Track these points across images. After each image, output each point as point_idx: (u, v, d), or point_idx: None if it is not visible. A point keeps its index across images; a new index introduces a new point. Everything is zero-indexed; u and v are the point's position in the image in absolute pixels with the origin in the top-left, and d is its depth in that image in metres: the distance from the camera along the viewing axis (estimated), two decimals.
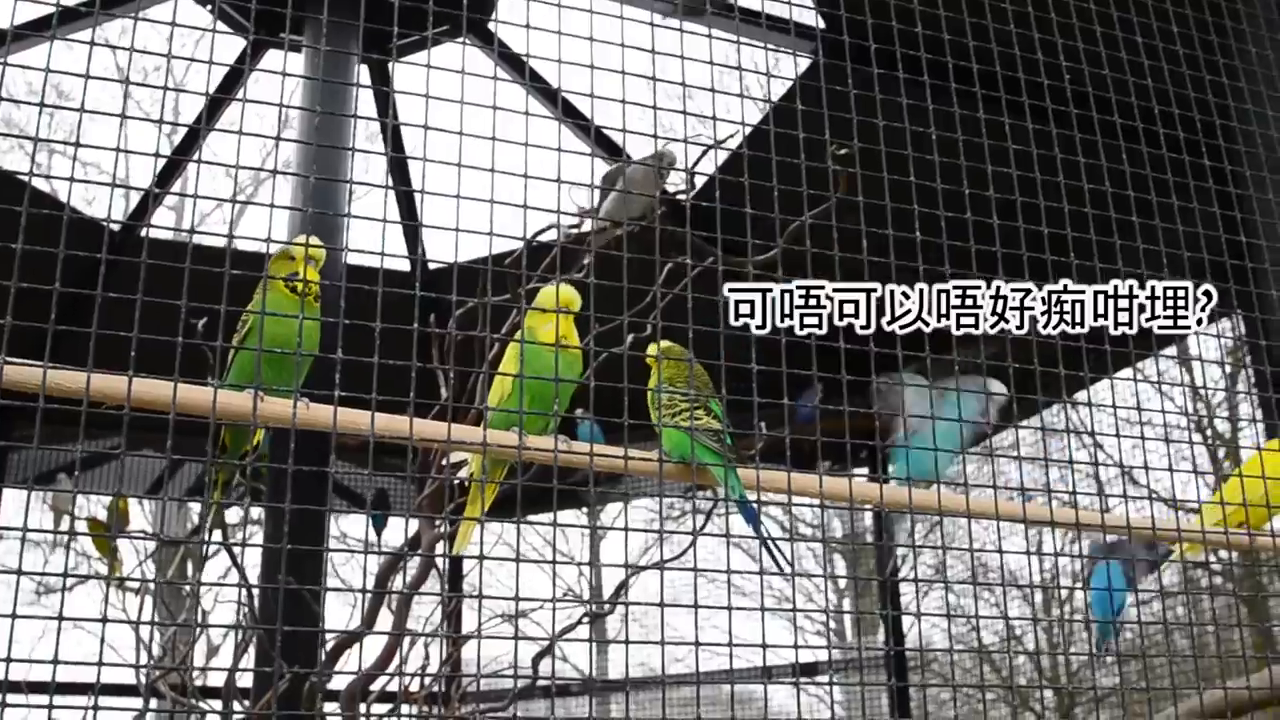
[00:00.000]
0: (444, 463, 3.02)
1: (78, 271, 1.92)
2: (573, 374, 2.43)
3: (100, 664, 1.59)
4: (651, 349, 2.47)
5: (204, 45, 5.43)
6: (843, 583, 10.43)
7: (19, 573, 1.63)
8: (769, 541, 2.32)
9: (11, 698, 1.56)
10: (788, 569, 2.32)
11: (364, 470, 6.86)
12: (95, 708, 1.58)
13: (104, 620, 1.64)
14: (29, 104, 1.99)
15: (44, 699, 1.65)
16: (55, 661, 1.54)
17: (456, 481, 2.92)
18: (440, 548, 3.18)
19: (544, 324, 2.43)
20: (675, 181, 2.97)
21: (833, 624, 11.50)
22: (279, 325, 2.24)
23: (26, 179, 5.40)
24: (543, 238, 2.66)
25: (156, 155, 1.98)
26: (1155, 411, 2.82)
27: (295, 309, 2.21)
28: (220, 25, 4.70)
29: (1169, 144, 2.77)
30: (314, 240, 2.42)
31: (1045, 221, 2.48)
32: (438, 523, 3.15)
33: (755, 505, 2.31)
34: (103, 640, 1.71)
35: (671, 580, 2.20)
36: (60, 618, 1.58)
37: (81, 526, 5.32)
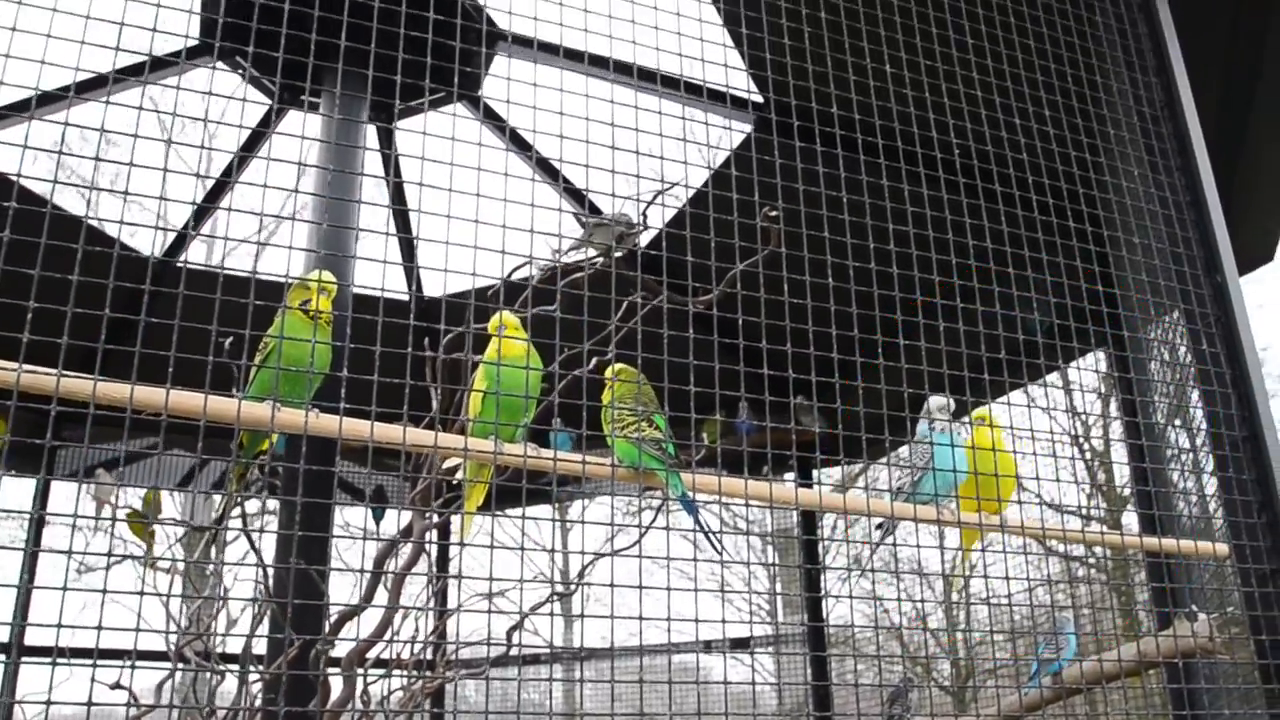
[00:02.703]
0: (442, 465, 3.06)
1: (120, 298, 1.96)
2: (530, 390, 2.48)
3: (137, 629, 1.62)
4: (608, 371, 2.53)
5: (234, 106, 5.44)
6: (774, 569, 10.48)
7: (68, 553, 1.66)
8: (706, 531, 2.38)
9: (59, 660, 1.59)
10: (721, 554, 2.38)
11: (365, 469, 6.87)
12: (133, 667, 1.62)
13: (141, 594, 1.67)
14: (84, 157, 2.03)
15: (87, 662, 1.68)
16: (99, 628, 1.57)
17: (451, 480, 2.96)
18: (429, 536, 3.21)
19: (503, 346, 2.49)
20: (630, 237, 3.04)
21: (765, 605, 11.54)
22: (294, 347, 2.28)
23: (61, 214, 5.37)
24: (516, 276, 2.71)
25: (194, 204, 2.02)
26: (1042, 433, 2.90)
27: (309, 333, 2.25)
28: (252, 94, 4.73)
29: (1046, 207, 2.86)
30: (327, 275, 2.46)
31: (936, 270, 2.56)
32: (427, 515, 3.18)
33: (694, 502, 2.37)
34: (140, 612, 1.75)
35: (630, 566, 2.25)
36: (104, 590, 1.62)
37: (122, 516, 5.31)
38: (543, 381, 2.59)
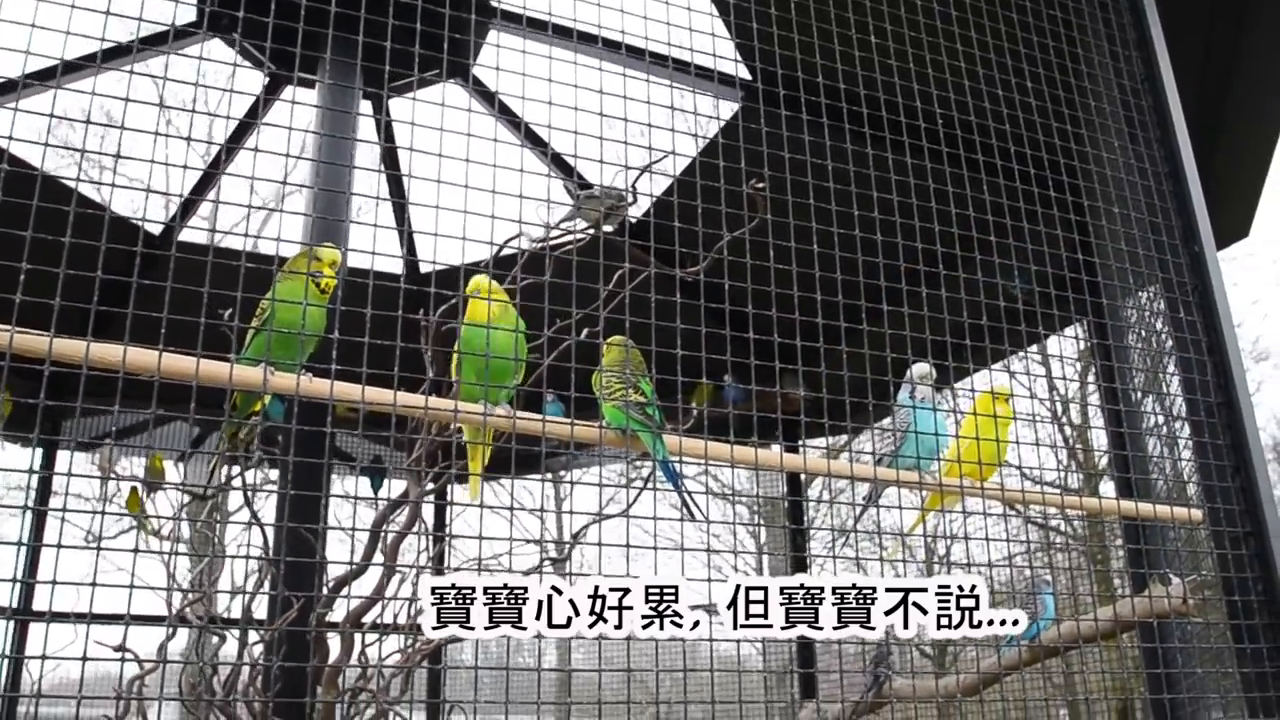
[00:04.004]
0: (441, 429, 3.04)
1: (115, 268, 1.93)
2: (505, 351, 2.45)
3: (131, 587, 1.60)
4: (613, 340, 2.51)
5: (232, 80, 5.36)
6: (762, 536, 10.52)
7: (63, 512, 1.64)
8: (683, 493, 2.37)
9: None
10: (700, 517, 2.37)
11: (360, 435, 6.84)
12: (127, 625, 1.60)
13: (135, 551, 1.65)
14: (79, 121, 1.99)
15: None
16: (93, 584, 1.55)
17: (443, 444, 2.95)
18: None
19: (477, 309, 2.46)
20: (621, 209, 3.00)
21: (752, 568, 11.59)
22: (289, 311, 2.25)
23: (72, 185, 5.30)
24: (510, 247, 2.68)
25: (185, 167, 1.99)
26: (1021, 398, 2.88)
27: (312, 300, 2.21)
28: (243, 62, 4.67)
29: (1027, 178, 2.83)
30: (336, 247, 2.43)
31: (919, 239, 2.53)
32: (423, 479, 3.16)
33: (676, 466, 2.36)
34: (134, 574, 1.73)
35: (620, 531, 2.22)
36: (99, 547, 1.60)
37: (126, 486, 5.28)
38: (529, 345, 2.56)
